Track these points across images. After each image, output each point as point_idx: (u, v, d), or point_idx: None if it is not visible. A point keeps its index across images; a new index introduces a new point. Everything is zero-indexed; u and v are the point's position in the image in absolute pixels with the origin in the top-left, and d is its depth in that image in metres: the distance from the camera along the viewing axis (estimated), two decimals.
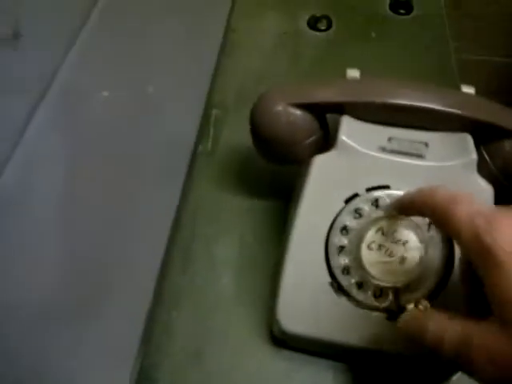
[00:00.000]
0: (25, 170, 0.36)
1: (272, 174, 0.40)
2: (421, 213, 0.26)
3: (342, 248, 0.29)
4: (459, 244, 0.23)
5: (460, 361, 0.22)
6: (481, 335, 0.21)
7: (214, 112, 0.44)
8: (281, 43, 0.49)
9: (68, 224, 0.35)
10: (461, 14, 0.49)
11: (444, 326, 0.23)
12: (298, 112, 0.32)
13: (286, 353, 0.32)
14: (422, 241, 0.29)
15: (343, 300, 0.29)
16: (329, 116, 0.34)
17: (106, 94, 0.40)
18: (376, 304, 0.29)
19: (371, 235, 0.29)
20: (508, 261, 0.20)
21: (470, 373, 0.22)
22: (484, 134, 0.31)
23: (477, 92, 0.33)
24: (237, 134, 0.42)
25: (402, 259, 0.28)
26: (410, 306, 0.29)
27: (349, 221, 0.29)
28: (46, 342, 0.30)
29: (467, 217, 0.22)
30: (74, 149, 0.38)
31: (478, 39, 0.49)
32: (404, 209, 0.28)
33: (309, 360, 0.32)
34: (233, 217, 0.38)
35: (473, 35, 0.49)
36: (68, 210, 0.35)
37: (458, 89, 0.33)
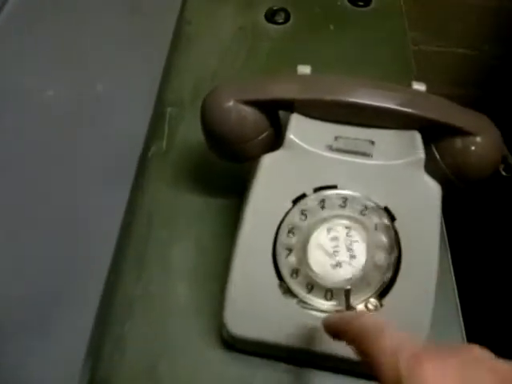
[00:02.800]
0: None
1: (229, 172, 0.38)
2: (346, 338, 0.24)
3: (289, 250, 0.29)
4: (378, 379, 0.20)
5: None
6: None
7: (169, 110, 0.42)
8: (238, 37, 0.47)
9: (12, 230, 0.33)
10: (419, 5, 0.49)
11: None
12: (247, 109, 0.31)
13: (242, 357, 0.31)
14: (367, 240, 0.28)
15: (292, 302, 0.29)
16: (282, 113, 0.33)
17: (50, 93, 0.38)
18: (326, 306, 0.29)
19: (318, 237, 0.28)
20: None
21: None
22: (434, 132, 0.31)
23: (431, 86, 0.33)
24: (193, 133, 0.40)
25: (350, 260, 0.28)
26: (360, 306, 0.29)
27: (296, 222, 0.29)
28: None
29: (391, 352, 0.20)
30: (18, 151, 0.36)
31: (435, 30, 0.49)
32: (331, 331, 0.26)
33: (264, 363, 0.31)
34: (189, 219, 0.37)
35: (431, 26, 0.49)
36: (12, 215, 0.33)
37: (410, 85, 0.32)
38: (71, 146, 0.37)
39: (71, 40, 0.42)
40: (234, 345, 0.31)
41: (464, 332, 0.33)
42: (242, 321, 0.29)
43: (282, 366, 0.31)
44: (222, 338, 0.31)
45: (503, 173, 0.35)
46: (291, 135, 0.29)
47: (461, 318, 0.34)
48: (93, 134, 0.37)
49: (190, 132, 0.41)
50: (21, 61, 0.40)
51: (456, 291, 0.35)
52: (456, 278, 0.36)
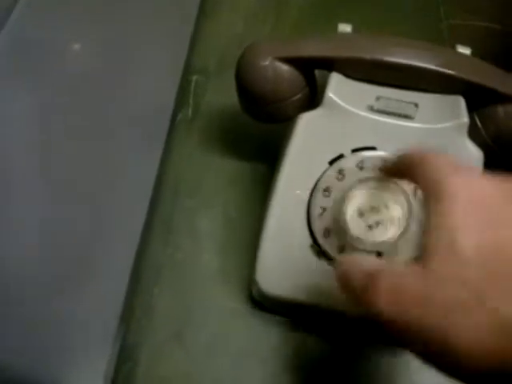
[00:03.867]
0: None
1: (257, 139, 0.38)
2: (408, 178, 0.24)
3: (324, 210, 0.28)
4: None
5: (362, 299, 0.20)
6: (392, 271, 0.20)
7: (195, 78, 0.41)
8: (264, 3, 0.46)
9: (41, 196, 0.32)
10: None
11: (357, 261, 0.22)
12: (284, 67, 0.30)
13: (271, 319, 0.31)
14: (406, 205, 0.28)
15: (323, 263, 0.29)
16: (318, 73, 0.33)
17: (77, 46, 0.37)
18: None
19: (354, 198, 0.28)
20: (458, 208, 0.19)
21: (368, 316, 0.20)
22: (478, 98, 0.30)
23: (472, 54, 0.32)
24: (219, 101, 0.40)
25: (386, 223, 0.28)
26: None
27: (332, 182, 0.28)
28: (23, 316, 0.28)
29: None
30: (43, 111, 0.35)
31: (468, 3, 0.48)
32: (391, 172, 0.26)
33: (293, 325, 0.31)
34: (216, 188, 0.36)
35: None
36: (41, 181, 0.33)
37: (455, 48, 0.31)
38: (97, 108, 0.36)
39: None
40: (264, 303, 0.31)
41: None
42: (273, 279, 0.29)
43: (310, 327, 0.31)
44: (251, 297, 0.31)
45: None
46: (331, 93, 0.29)
47: None
48: (120, 98, 0.36)
49: (216, 100, 0.40)
50: (51, 11, 0.39)
51: None
52: None
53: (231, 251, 0.34)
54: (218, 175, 0.37)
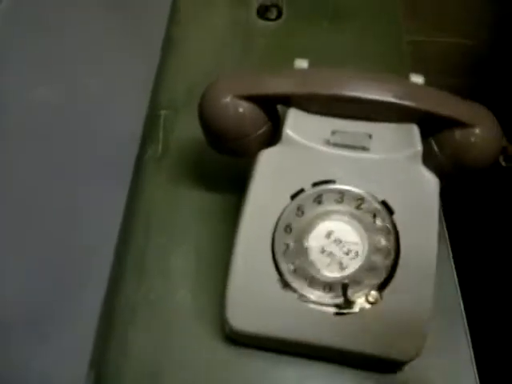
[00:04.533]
0: None
1: (226, 174, 0.38)
2: None
3: (287, 246, 0.29)
4: None
5: None
6: None
7: (163, 113, 0.42)
8: (230, 35, 0.47)
9: (12, 239, 0.32)
10: None
11: None
12: (245, 104, 0.31)
13: (247, 353, 0.31)
14: (365, 235, 0.28)
15: (292, 296, 0.29)
16: (281, 107, 0.33)
17: (41, 91, 0.37)
18: (324, 300, 0.29)
19: (314, 233, 0.28)
20: None
21: None
22: (432, 125, 0.31)
23: (426, 76, 0.33)
24: (189, 135, 0.40)
25: (346, 255, 0.28)
26: (361, 300, 0.29)
27: (293, 218, 0.29)
28: None
29: None
30: (7, 152, 0.35)
31: (430, 20, 0.49)
32: None
33: (269, 357, 0.31)
34: (187, 223, 0.37)
35: (425, 16, 0.48)
36: (9, 224, 0.33)
37: (408, 77, 0.32)
38: (63, 149, 0.36)
39: (60, 42, 0.41)
40: (237, 340, 0.31)
41: (466, 323, 0.33)
42: (243, 316, 0.29)
43: (286, 358, 0.31)
44: (225, 334, 0.32)
45: (503, 163, 0.35)
46: (288, 130, 0.30)
47: (462, 309, 0.34)
48: (85, 137, 0.36)
49: (186, 135, 0.40)
50: (9, 61, 0.40)
51: (457, 283, 0.35)
52: (456, 270, 0.36)
53: (205, 287, 0.34)
54: (189, 210, 0.37)
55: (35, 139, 0.35)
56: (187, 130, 0.40)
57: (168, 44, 0.45)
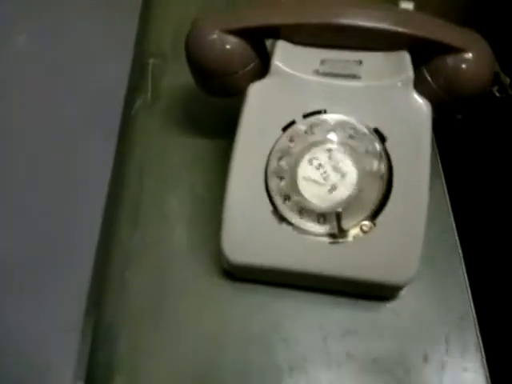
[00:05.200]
0: None
1: (218, 116, 0.38)
2: None
3: (280, 177, 0.29)
4: None
5: None
6: None
7: (151, 61, 0.41)
8: None
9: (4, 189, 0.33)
10: None
11: None
12: (232, 39, 0.31)
13: (244, 288, 0.32)
14: (358, 164, 0.28)
15: (286, 227, 0.29)
16: (269, 43, 0.33)
17: (22, 37, 0.37)
18: (318, 230, 0.29)
19: (306, 163, 0.28)
20: None
21: None
22: (423, 52, 0.30)
23: (417, 7, 0.32)
24: (178, 82, 0.39)
25: (339, 183, 0.28)
26: (354, 229, 0.30)
27: (285, 149, 0.29)
28: None
29: None
30: None
31: None
32: None
33: (266, 290, 0.32)
34: (182, 168, 0.37)
35: None
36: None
37: (397, 4, 0.32)
38: (48, 102, 0.36)
39: None
40: (235, 274, 0.32)
41: (461, 252, 0.34)
42: (239, 248, 0.30)
43: (283, 291, 0.32)
44: (223, 270, 0.32)
45: (497, 94, 0.34)
46: (277, 61, 0.29)
47: (457, 239, 0.34)
48: (70, 86, 0.36)
49: (175, 82, 0.40)
50: None
51: (452, 215, 0.35)
52: (451, 205, 0.36)
53: (200, 228, 0.34)
54: (182, 156, 0.37)
55: (20, 90, 0.35)
56: (176, 77, 0.40)
57: None
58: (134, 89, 0.39)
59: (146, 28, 0.42)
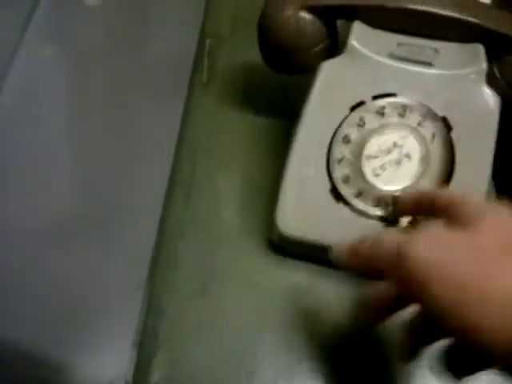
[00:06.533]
0: (23, 92, 0.34)
1: (273, 99, 0.38)
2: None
3: (343, 156, 0.29)
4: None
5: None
6: None
7: (208, 41, 0.42)
8: None
9: (70, 151, 0.34)
10: None
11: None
12: (308, 16, 0.31)
13: (290, 264, 0.32)
14: (423, 150, 0.29)
15: (342, 207, 0.30)
16: (340, 23, 0.33)
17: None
18: (374, 212, 0.30)
19: (373, 145, 0.29)
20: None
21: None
22: (497, 47, 0.30)
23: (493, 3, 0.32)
24: (234, 63, 0.40)
25: (401, 168, 0.29)
26: (409, 217, 0.30)
27: (352, 129, 0.29)
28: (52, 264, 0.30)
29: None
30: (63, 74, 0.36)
31: None
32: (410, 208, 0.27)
33: (313, 269, 0.32)
34: (235, 148, 0.37)
35: None
36: (69, 138, 0.34)
37: None
38: (115, 71, 0.36)
39: None
40: (283, 246, 0.32)
41: None
42: (292, 221, 0.30)
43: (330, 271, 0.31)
44: (270, 241, 0.33)
45: None
46: (353, 41, 0.29)
47: None
48: (136, 58, 0.37)
49: (231, 61, 0.40)
50: None
51: None
52: None
53: (252, 207, 0.34)
54: (236, 135, 0.38)
55: (84, 59, 0.36)
56: (232, 57, 0.41)
57: None
58: (191, 69, 0.40)
59: (206, 9, 0.43)
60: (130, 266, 0.29)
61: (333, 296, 0.32)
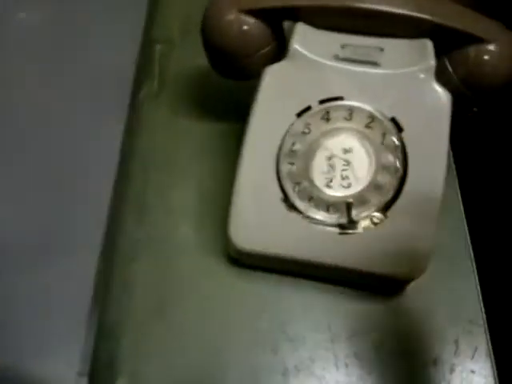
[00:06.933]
0: None
1: (226, 105, 0.37)
2: None
3: (292, 164, 0.28)
4: None
5: None
6: None
7: (158, 47, 0.40)
8: None
9: (7, 184, 0.32)
10: None
11: None
12: (250, 20, 0.30)
13: (250, 276, 0.31)
14: (373, 154, 0.28)
15: (295, 216, 0.29)
16: (286, 25, 0.32)
17: (22, 15, 0.36)
18: (328, 220, 0.29)
19: (320, 150, 0.28)
20: None
21: None
22: (447, 41, 0.29)
23: None
24: (185, 68, 0.39)
25: (352, 173, 0.28)
26: (365, 220, 0.29)
27: (299, 135, 0.28)
28: None
29: None
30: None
31: None
32: None
33: (273, 278, 0.31)
34: (189, 159, 0.36)
35: None
36: (5, 153, 0.32)
37: None
38: (52, 89, 0.34)
39: None
40: (240, 260, 0.31)
41: (471, 248, 0.33)
42: (246, 235, 0.29)
43: (289, 279, 0.31)
44: (228, 255, 0.32)
45: None
46: (296, 44, 0.28)
47: (467, 232, 0.33)
48: (75, 71, 0.35)
49: (183, 69, 0.39)
50: None
51: (462, 209, 0.35)
52: (464, 203, 0.35)
53: (207, 221, 0.33)
54: (189, 145, 0.36)
55: (23, 76, 0.34)
56: (184, 63, 0.39)
57: None
58: (139, 76, 0.38)
59: (154, 14, 0.41)
60: (71, 302, 0.28)
61: (299, 306, 0.31)
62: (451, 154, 0.36)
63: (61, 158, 0.32)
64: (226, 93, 0.37)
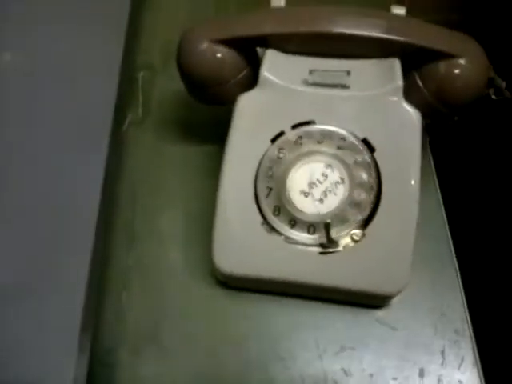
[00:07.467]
0: None
1: (212, 131, 0.37)
2: None
3: (270, 189, 0.29)
4: None
5: None
6: None
7: (141, 74, 0.41)
8: None
9: None
10: None
11: None
12: (222, 49, 0.31)
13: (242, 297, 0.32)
14: (346, 175, 0.28)
15: (276, 238, 0.29)
16: (260, 50, 0.33)
17: (7, 54, 0.36)
18: (308, 240, 0.29)
19: (295, 174, 0.28)
20: None
21: None
22: (415, 58, 0.30)
23: (410, 11, 0.31)
24: (169, 94, 0.39)
25: (328, 193, 0.28)
26: (345, 239, 0.30)
27: (273, 161, 0.29)
28: None
29: None
30: None
31: None
32: None
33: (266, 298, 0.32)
34: (176, 183, 0.36)
35: None
36: None
37: (389, 9, 0.31)
38: (34, 118, 0.34)
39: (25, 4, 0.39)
40: (229, 283, 0.32)
41: (455, 257, 0.33)
42: (230, 259, 0.30)
43: (276, 298, 0.32)
44: (217, 279, 0.32)
45: (493, 97, 0.34)
46: (265, 72, 0.29)
47: (454, 256, 0.33)
48: (57, 102, 0.35)
49: (167, 94, 0.39)
50: None
51: (445, 217, 0.35)
52: (447, 213, 0.36)
53: (197, 244, 0.33)
54: (175, 170, 0.37)
55: (3, 107, 0.34)
56: (167, 89, 0.39)
57: (139, 2, 0.43)
58: (124, 105, 0.39)
59: (134, 41, 0.42)
60: (59, 333, 0.29)
61: (287, 324, 0.32)
62: (433, 163, 0.37)
63: (42, 188, 0.32)
64: (209, 115, 0.38)
